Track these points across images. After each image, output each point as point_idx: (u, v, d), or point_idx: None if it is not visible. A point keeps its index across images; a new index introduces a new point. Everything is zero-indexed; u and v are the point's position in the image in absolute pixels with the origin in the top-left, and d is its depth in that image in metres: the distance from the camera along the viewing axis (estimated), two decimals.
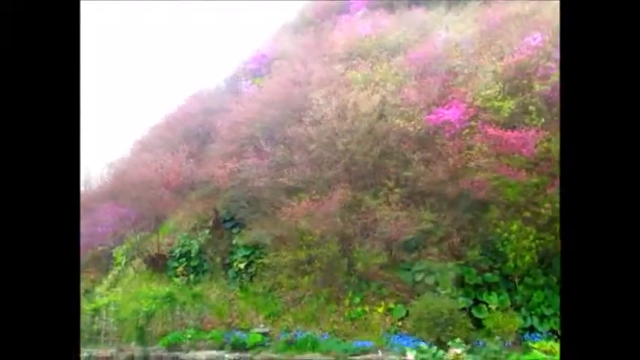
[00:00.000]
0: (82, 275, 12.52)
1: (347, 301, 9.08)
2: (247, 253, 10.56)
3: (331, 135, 7.47)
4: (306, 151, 7.68)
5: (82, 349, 8.17)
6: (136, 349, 8.12)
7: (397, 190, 7.34)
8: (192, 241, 11.24)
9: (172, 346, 7.99)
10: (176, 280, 10.80)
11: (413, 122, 7.51)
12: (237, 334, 8.16)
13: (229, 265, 10.83)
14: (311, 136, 7.64)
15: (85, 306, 9.03)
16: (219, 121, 10.98)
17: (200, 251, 11.00)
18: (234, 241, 10.90)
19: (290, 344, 7.58)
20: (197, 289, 9.21)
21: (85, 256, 14.50)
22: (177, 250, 11.13)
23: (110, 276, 11.24)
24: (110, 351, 8.06)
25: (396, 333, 8.09)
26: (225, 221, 11.03)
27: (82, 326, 8.82)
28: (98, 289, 9.52)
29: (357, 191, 7.46)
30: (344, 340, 7.97)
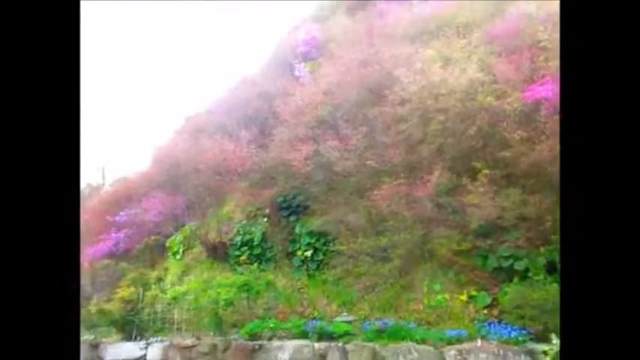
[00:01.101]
0: (137, 265, 12.44)
1: (425, 289, 8.76)
2: (312, 240, 10.29)
3: (422, 114, 7.08)
4: (393, 132, 7.32)
5: (160, 337, 8.01)
6: (215, 338, 7.90)
7: (493, 171, 6.93)
8: (253, 229, 11.01)
9: (254, 335, 7.75)
10: (239, 268, 10.61)
11: (508, 100, 7.09)
12: (319, 323, 7.87)
13: (293, 254, 10.59)
14: (399, 116, 7.26)
15: (153, 294, 8.87)
16: (280, 106, 10.64)
17: (262, 239, 10.78)
18: (297, 229, 10.63)
19: (380, 332, 7.27)
20: (269, 277, 8.94)
21: (137, 246, 14.48)
22: (238, 239, 10.90)
23: (170, 265, 11.05)
24: (189, 340, 7.85)
25: (484, 321, 7.76)
26: (289, 208, 10.76)
27: (158, 314, 8.66)
28: (168, 278, 9.30)
29: (451, 173, 7.07)
30: (429, 329, 7.65)
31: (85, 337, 8.82)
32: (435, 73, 7.67)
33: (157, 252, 13.46)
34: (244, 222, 11.31)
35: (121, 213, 15.09)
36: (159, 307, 8.68)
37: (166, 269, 10.05)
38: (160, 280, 9.24)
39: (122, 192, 17.94)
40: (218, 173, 10.16)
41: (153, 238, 13.35)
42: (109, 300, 8.61)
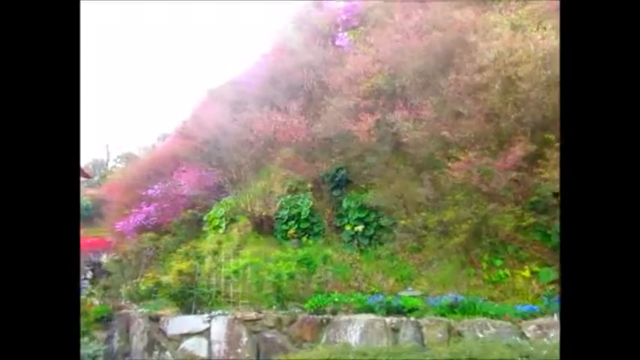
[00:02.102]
0: (176, 239, 12.30)
1: (484, 265, 8.62)
2: (363, 215, 10.10)
3: (503, 83, 6.74)
4: (470, 101, 6.98)
5: (222, 311, 7.90)
6: (278, 311, 7.79)
7: None
8: (299, 203, 10.81)
9: (317, 309, 7.63)
10: (286, 243, 10.46)
11: None
12: (385, 297, 7.74)
13: (341, 228, 10.42)
14: (476, 84, 6.92)
15: (210, 267, 8.73)
16: (326, 76, 10.26)
17: (310, 213, 10.58)
18: (345, 203, 10.43)
19: (452, 307, 7.14)
20: (327, 251, 8.77)
21: (171, 220, 14.32)
22: (284, 213, 10.71)
23: (215, 239, 10.88)
24: (253, 313, 7.74)
25: (552, 297, 7.63)
26: (336, 181, 10.52)
27: (216, 288, 8.54)
28: (222, 252, 9.14)
29: (530, 145, 6.78)
30: (501, 304, 7.52)
31: (140, 310, 8.73)
32: (510, 40, 7.27)
33: (194, 226, 13.32)
34: (289, 196, 11.09)
35: (155, 187, 14.89)
36: (217, 281, 8.54)
37: (219, 242, 9.87)
38: (215, 253, 9.07)
39: (149, 166, 17.72)
40: (263, 145, 9.85)
41: (190, 212, 13.18)
42: (165, 273, 8.47)
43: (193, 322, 7.74)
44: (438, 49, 7.90)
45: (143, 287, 9.92)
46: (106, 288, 10.07)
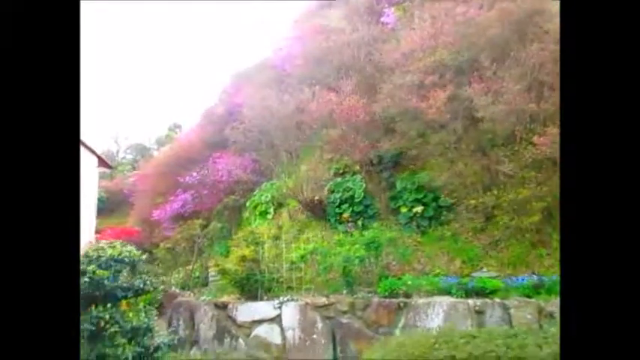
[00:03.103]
0: (223, 226, 12.07)
1: (555, 244, 8.31)
2: (421, 196, 9.78)
3: None
4: (553, 72, 6.57)
5: (291, 296, 7.68)
6: (351, 296, 7.56)
7: None
8: (351, 185, 10.51)
9: (391, 293, 7.39)
10: (340, 227, 10.20)
11: None
12: (461, 279, 7.47)
13: (397, 210, 10.13)
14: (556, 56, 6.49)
15: (274, 253, 8.50)
16: (382, 53, 9.84)
17: (363, 196, 10.28)
18: (399, 185, 10.11)
19: (537, 288, 6.85)
20: (392, 234, 8.49)
21: (212, 206, 14.11)
22: (336, 196, 10.41)
23: (262, 224, 10.64)
24: (325, 298, 7.52)
25: None
26: (390, 162, 10.20)
27: (280, 273, 8.33)
28: (283, 237, 8.89)
29: None
30: None
31: (203, 297, 8.54)
32: None
33: (235, 212, 13.11)
34: (339, 179, 10.79)
35: (193, 174, 14.65)
36: (279, 266, 8.32)
37: (279, 227, 9.62)
38: (276, 238, 8.83)
39: (179, 154, 17.47)
40: (318, 126, 9.49)
41: (232, 197, 12.94)
42: (226, 259, 8.25)
43: (263, 308, 7.53)
44: (513, 17, 7.45)
45: (197, 274, 9.76)
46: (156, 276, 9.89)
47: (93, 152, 23.62)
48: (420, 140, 8.51)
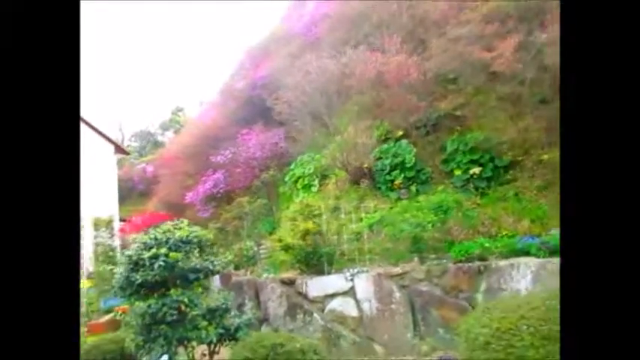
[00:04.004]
0: (262, 202, 11.76)
1: None
2: (476, 157, 9.37)
3: None
4: None
5: (361, 268, 7.41)
6: (424, 263, 7.26)
7: None
8: (398, 151, 10.09)
9: (467, 257, 7.08)
10: (391, 194, 9.86)
11: None
12: (541, 239, 7.12)
13: (450, 173, 9.75)
14: None
15: (338, 225, 8.18)
16: (425, 7, 9.22)
17: (414, 161, 9.87)
18: (450, 146, 9.69)
19: None
20: (457, 196, 8.12)
21: (244, 185, 13.79)
22: (385, 162, 10.02)
23: (312, 196, 10.30)
24: (399, 267, 7.23)
25: None
26: (438, 124, 9.76)
27: (348, 245, 8.03)
28: (343, 208, 8.55)
29: None
30: None
31: (265, 274, 8.30)
32: None
33: (272, 188, 12.79)
34: (385, 145, 10.37)
35: (224, 152, 14.27)
36: (345, 237, 8.01)
37: (337, 198, 9.28)
38: (335, 209, 8.50)
39: (204, 134, 17.04)
40: (367, 88, 8.96)
41: (270, 173, 12.59)
42: (288, 235, 7.94)
43: (335, 282, 7.27)
44: None
45: (250, 252, 9.51)
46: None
47: (109, 140, 23.28)
48: (481, 96, 8.00)
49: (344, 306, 7.10)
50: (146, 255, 5.93)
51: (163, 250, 6.00)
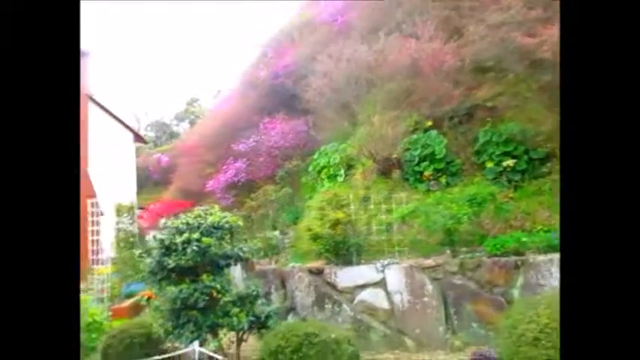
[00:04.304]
0: (288, 191, 11.63)
1: None
2: (509, 148, 9.06)
3: None
4: None
5: (391, 259, 7.24)
6: (458, 256, 7.06)
7: None
8: (427, 142, 9.83)
9: (503, 251, 6.84)
10: (420, 185, 9.63)
11: None
12: None
13: (482, 165, 9.46)
14: None
15: (368, 216, 8.00)
16: None
17: (445, 152, 9.61)
18: (482, 137, 9.40)
19: None
20: (491, 189, 7.86)
21: (266, 174, 13.68)
22: (414, 153, 9.77)
23: (333, 187, 10.13)
24: (432, 259, 7.04)
25: None
26: (469, 114, 9.46)
27: (378, 236, 7.86)
28: (373, 198, 8.37)
29: None
30: None
31: (292, 264, 8.19)
32: None
33: (295, 177, 12.65)
34: (415, 136, 10.11)
35: (247, 141, 14.18)
36: (375, 228, 7.84)
37: (367, 188, 9.10)
38: (365, 199, 8.33)
39: (225, 122, 16.95)
40: (402, 77, 8.69)
41: (294, 162, 12.45)
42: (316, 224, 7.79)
43: (365, 272, 7.11)
44: None
45: (275, 241, 9.40)
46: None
47: (128, 128, 23.34)
48: (522, 85, 7.70)
49: (374, 297, 6.95)
50: (179, 239, 5.85)
51: (196, 235, 5.91)
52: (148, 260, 6.17)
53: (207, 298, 5.77)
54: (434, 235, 7.42)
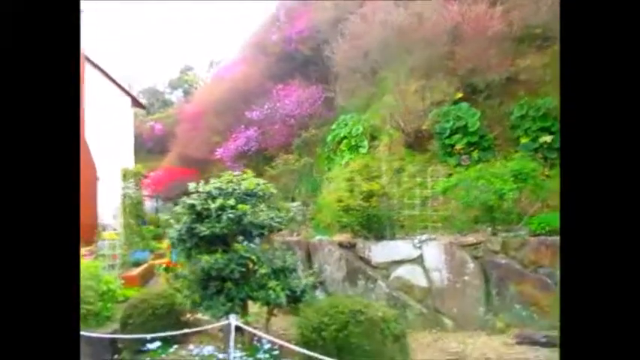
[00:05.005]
0: (309, 161, 11.14)
1: None
2: (547, 124, 8.61)
3: None
4: None
5: (429, 235, 6.85)
6: (500, 234, 6.69)
7: None
8: (459, 114, 9.34)
9: (547, 229, 6.50)
10: (449, 159, 9.19)
11: None
12: None
13: (516, 140, 9.03)
14: None
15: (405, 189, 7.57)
16: None
17: (479, 125, 9.14)
18: (520, 111, 8.92)
19: None
20: (532, 165, 7.45)
21: (279, 144, 13.11)
22: (446, 126, 9.29)
23: (355, 159, 9.65)
24: (472, 237, 6.67)
25: None
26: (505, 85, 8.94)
27: (413, 210, 7.45)
28: (408, 170, 7.92)
29: None
30: None
31: (318, 236, 7.78)
32: None
33: (312, 148, 12.13)
34: (446, 107, 9.59)
35: (261, 108, 13.54)
36: (410, 201, 7.42)
37: (398, 160, 8.63)
38: (399, 171, 7.88)
39: (236, 87, 16.20)
40: (442, 44, 8.06)
41: (313, 132, 11.90)
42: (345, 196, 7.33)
43: (401, 248, 6.73)
44: None
45: (297, 212, 8.97)
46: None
47: (126, 92, 22.41)
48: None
49: (411, 274, 6.59)
50: (212, 205, 5.37)
51: (231, 202, 5.43)
52: (177, 227, 5.70)
53: (243, 269, 5.35)
54: (469, 211, 7.01)
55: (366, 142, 10.28)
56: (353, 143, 10.60)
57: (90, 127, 15.09)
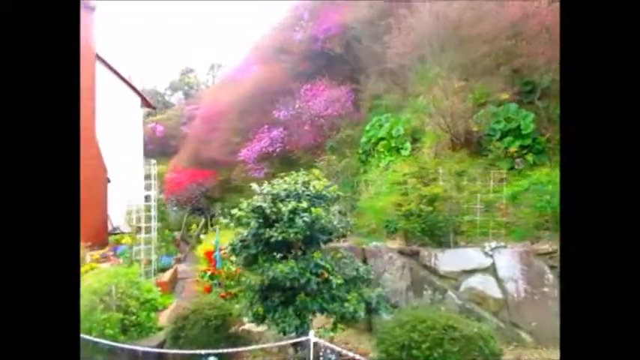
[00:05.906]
0: (351, 162, 10.65)
1: None
2: None
3: None
4: None
5: (497, 242, 6.38)
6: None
7: None
8: (513, 115, 8.91)
9: None
10: (501, 163, 8.74)
11: None
12: None
13: None
14: None
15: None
16: None
17: (533, 127, 8.70)
18: None
19: None
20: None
21: (307, 144, 12.64)
22: (497, 127, 8.85)
23: (396, 161, 9.20)
24: (548, 245, 6.20)
25: None
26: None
27: (475, 216, 6.96)
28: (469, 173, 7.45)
29: None
30: None
31: (374, 243, 7.29)
32: None
33: (344, 149, 11.65)
34: (496, 108, 9.16)
35: (285, 108, 13.07)
36: (474, 206, 6.94)
37: (460, 162, 8.13)
38: (459, 175, 7.39)
39: (260, 86, 15.67)
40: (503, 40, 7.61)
41: (347, 132, 11.43)
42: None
43: (472, 256, 6.27)
44: None
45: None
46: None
47: (136, 91, 21.89)
48: None
49: (484, 284, 6.11)
50: (284, 208, 4.87)
51: (304, 205, 4.93)
52: (243, 231, 5.19)
53: (319, 279, 4.85)
54: (539, 217, 6.55)
55: (408, 144, 9.82)
56: (393, 145, 10.14)
57: (100, 127, 14.61)
